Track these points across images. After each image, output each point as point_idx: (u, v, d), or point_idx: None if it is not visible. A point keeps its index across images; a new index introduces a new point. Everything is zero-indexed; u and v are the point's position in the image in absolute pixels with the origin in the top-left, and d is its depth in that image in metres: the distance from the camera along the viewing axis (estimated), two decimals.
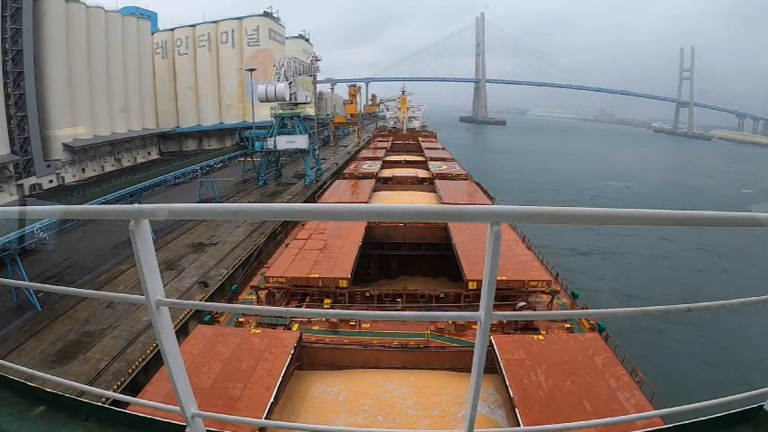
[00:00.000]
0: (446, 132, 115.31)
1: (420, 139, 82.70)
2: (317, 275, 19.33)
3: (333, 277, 19.26)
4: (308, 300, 19.22)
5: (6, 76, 50.26)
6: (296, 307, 18.06)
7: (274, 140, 53.79)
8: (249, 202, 1.97)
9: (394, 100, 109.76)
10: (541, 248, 25.81)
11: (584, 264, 41.17)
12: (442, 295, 19.62)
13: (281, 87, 51.80)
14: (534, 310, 17.78)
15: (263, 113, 64.83)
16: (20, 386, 2.35)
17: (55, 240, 27.69)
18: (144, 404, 2.21)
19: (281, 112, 54.74)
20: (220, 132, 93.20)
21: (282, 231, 35.09)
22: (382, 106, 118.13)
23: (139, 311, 23.58)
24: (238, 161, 61.84)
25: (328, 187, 41.29)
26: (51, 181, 57.76)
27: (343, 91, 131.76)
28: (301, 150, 54.73)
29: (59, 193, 52.61)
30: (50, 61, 57.67)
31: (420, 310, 18.50)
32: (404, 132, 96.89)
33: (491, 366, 13.12)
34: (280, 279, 19.35)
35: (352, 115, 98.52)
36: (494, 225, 1.44)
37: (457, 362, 14.76)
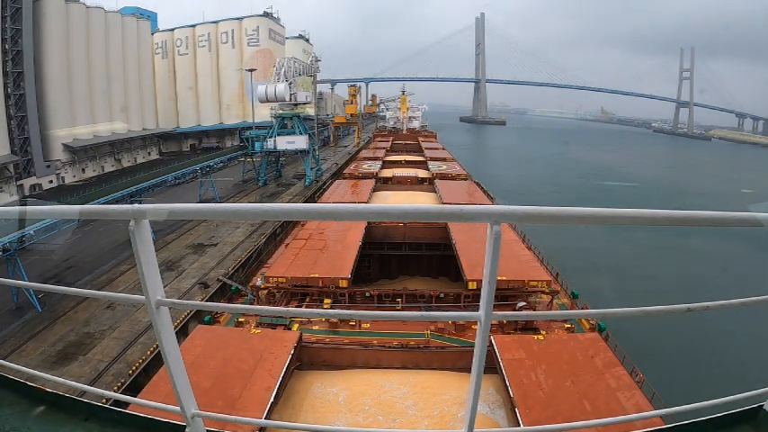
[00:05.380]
0: (444, 133, 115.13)
1: (420, 139, 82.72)
2: (317, 275, 19.33)
3: (333, 277, 19.26)
4: (308, 300, 19.23)
5: (6, 76, 50.29)
6: (296, 307, 18.06)
7: (274, 141, 53.75)
8: (249, 203, 1.96)
9: (394, 100, 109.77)
10: (541, 248, 25.79)
11: (585, 264, 41.13)
12: (442, 295, 19.64)
13: (281, 88, 51.77)
14: (534, 310, 17.78)
15: (263, 113, 64.83)
16: (20, 386, 2.35)
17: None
18: (144, 404, 2.21)
19: (280, 112, 54.70)
20: (220, 132, 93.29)
21: (282, 232, 35.08)
22: (382, 106, 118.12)
23: (139, 312, 23.57)
24: (238, 161, 61.84)
25: (328, 187, 41.28)
26: (51, 181, 57.76)
27: (343, 91, 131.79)
28: (301, 151, 54.70)
29: (60, 194, 52.62)
30: (50, 61, 57.68)
31: (420, 310, 18.50)
32: (404, 132, 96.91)
33: (491, 366, 13.13)
34: (280, 279, 19.36)
35: (352, 115, 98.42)
36: (494, 225, 1.44)
37: (457, 362, 14.77)
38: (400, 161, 53.57)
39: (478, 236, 22.88)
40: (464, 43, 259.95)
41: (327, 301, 18.66)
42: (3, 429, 2.08)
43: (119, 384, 18.20)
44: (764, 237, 41.00)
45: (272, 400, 11.53)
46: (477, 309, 1.56)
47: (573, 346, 14.02)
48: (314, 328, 16.72)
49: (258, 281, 21.09)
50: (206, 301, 25.12)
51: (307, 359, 15.31)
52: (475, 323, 1.60)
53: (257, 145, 54.30)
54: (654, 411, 9.98)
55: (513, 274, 18.75)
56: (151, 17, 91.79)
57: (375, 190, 37.77)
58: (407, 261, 28.14)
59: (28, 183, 53.57)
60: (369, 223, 24.80)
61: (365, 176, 41.70)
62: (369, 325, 16.66)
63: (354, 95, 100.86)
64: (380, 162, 50.27)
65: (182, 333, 19.68)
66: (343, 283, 19.04)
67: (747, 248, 45.14)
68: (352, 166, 49.38)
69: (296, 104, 55.02)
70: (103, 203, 31.85)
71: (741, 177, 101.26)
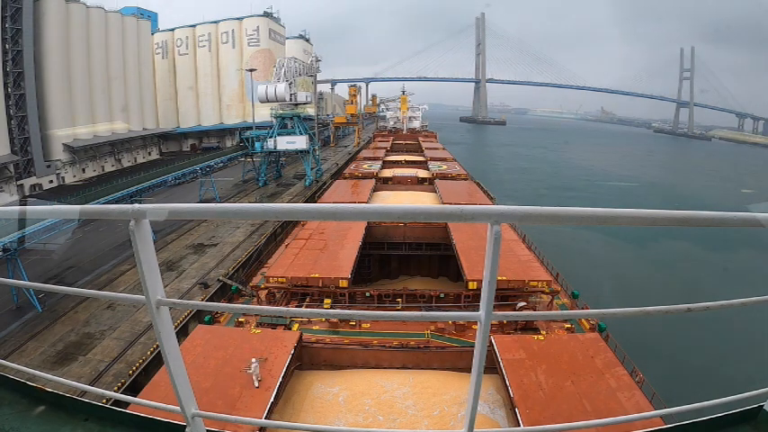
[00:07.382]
0: (443, 134, 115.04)
1: (420, 139, 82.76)
2: (317, 275, 19.33)
3: (333, 277, 19.27)
4: (308, 300, 19.24)
5: (6, 76, 50.31)
6: (296, 307, 18.06)
7: (274, 141, 53.72)
8: (249, 203, 1.95)
9: (394, 100, 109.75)
10: (541, 248, 25.78)
11: (585, 264, 41.11)
12: (442, 295, 19.64)
13: (282, 88, 51.78)
14: (534, 310, 17.78)
15: (263, 113, 64.83)
16: (20, 386, 2.35)
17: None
18: (144, 404, 2.21)
19: (281, 112, 54.72)
20: (221, 132, 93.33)
21: (282, 232, 35.09)
22: (382, 106, 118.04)
23: (139, 313, 23.57)
24: (239, 161, 61.84)
25: (328, 187, 41.28)
26: (51, 181, 57.78)
27: (343, 91, 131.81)
28: (301, 151, 54.70)
29: (60, 194, 52.63)
30: (50, 61, 57.69)
31: (420, 310, 18.50)
32: (404, 132, 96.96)
33: (491, 366, 13.14)
34: (280, 279, 19.36)
35: (352, 115, 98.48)
36: (494, 225, 1.44)
37: (457, 362, 14.77)
38: (400, 161, 53.62)
39: (479, 236, 22.90)
40: (464, 43, 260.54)
41: (327, 300, 18.66)
42: (3, 429, 2.08)
43: (119, 384, 18.21)
44: (764, 237, 40.99)
45: (272, 399, 11.54)
46: (477, 309, 1.56)
47: (573, 347, 14.02)
48: (314, 327, 16.73)
49: (258, 281, 21.10)
50: (206, 301, 25.12)
51: (307, 359, 15.31)
52: (475, 323, 1.60)
53: (257, 145, 54.29)
54: (654, 411, 9.99)
55: (513, 274, 18.76)
56: (151, 17, 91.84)
57: (375, 190, 37.78)
58: (407, 261, 28.14)
59: (28, 183, 53.60)
60: (369, 223, 24.80)
61: (365, 176, 41.71)
62: (369, 325, 16.67)
63: (354, 95, 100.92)
64: (381, 162, 50.31)
65: (182, 333, 19.69)
66: (344, 283, 19.04)
67: (747, 248, 45.12)
68: (352, 166, 49.39)
69: (296, 104, 55.02)
70: (104, 203, 31.83)
71: (741, 177, 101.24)
